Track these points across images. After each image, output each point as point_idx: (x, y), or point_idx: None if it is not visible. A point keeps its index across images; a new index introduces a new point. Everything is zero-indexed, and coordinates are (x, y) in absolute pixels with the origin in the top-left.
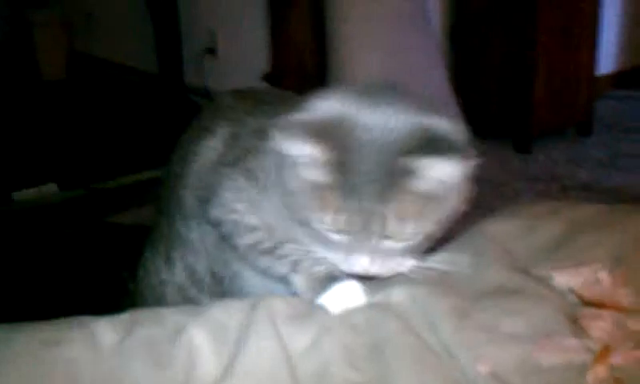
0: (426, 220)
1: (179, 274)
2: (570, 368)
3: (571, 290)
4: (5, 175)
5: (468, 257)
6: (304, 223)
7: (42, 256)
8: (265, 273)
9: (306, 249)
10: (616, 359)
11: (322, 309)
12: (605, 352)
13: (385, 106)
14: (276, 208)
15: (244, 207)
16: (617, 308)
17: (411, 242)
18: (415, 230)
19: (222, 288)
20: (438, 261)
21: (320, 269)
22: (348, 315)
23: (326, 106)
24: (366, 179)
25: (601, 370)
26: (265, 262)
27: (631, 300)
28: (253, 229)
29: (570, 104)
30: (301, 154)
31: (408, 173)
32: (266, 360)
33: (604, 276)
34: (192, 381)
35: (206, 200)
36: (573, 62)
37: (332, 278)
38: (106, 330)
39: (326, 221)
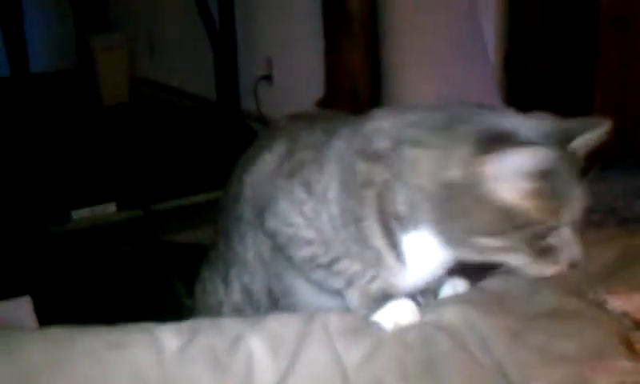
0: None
1: (236, 295)
2: None
3: (625, 314)
4: (65, 195)
5: (521, 279)
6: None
7: (99, 272)
8: (319, 286)
9: (361, 266)
10: None
11: (375, 325)
12: None
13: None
14: (334, 223)
15: (300, 220)
16: None
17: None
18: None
19: (277, 308)
20: (496, 283)
21: (375, 288)
22: (401, 332)
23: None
24: (569, 170)
25: None
26: (320, 275)
27: None
28: (309, 242)
29: (630, 133)
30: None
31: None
32: (321, 371)
33: None
34: None
35: (261, 210)
36: (632, 104)
37: (386, 295)
38: (169, 335)
39: (551, 223)
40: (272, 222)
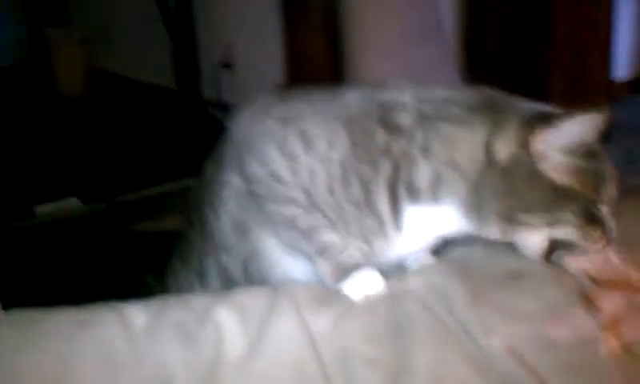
0: None
1: (213, 284)
2: (581, 342)
3: (582, 272)
4: (28, 190)
5: (483, 247)
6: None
7: (66, 266)
8: (288, 245)
9: (343, 237)
10: (626, 331)
11: (343, 295)
12: (616, 325)
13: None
14: (333, 184)
15: (289, 176)
16: (627, 285)
17: None
18: None
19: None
20: (459, 252)
21: (348, 258)
22: (368, 301)
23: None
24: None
25: (612, 341)
26: (292, 236)
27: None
28: (292, 202)
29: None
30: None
31: None
32: (289, 341)
33: (613, 256)
34: (219, 360)
35: (243, 149)
36: (587, 70)
37: (354, 266)
38: (137, 312)
39: (591, 198)
40: (255, 168)
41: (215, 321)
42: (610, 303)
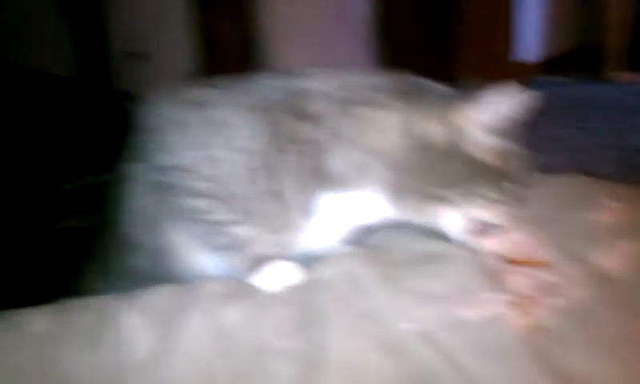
0: None
1: (120, 284)
2: (490, 319)
3: (492, 252)
4: None
5: (395, 231)
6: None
7: None
8: (198, 240)
9: (254, 230)
10: (534, 309)
11: (256, 288)
12: (522, 302)
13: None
14: (251, 175)
15: (198, 167)
16: (535, 263)
17: None
18: None
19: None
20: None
21: (260, 251)
22: (282, 292)
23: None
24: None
25: (519, 319)
26: (202, 230)
27: (547, 255)
28: (202, 194)
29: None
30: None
31: None
32: (199, 338)
33: (521, 236)
34: (125, 363)
35: (150, 137)
36: (495, 53)
37: (266, 258)
38: (33, 319)
39: (507, 175)
40: (161, 158)
41: (120, 323)
42: (519, 282)
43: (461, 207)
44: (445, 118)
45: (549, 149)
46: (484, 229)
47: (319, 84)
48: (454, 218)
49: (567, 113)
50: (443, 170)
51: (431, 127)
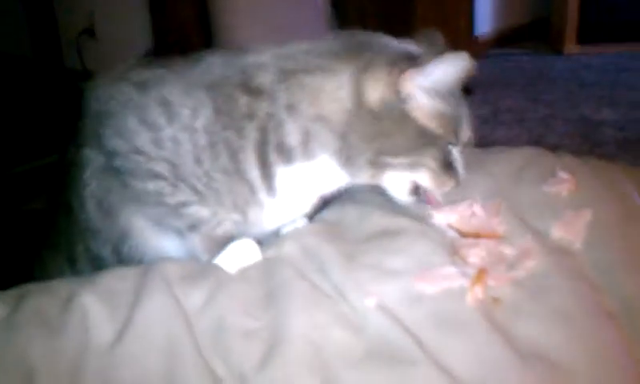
0: None
1: (85, 269)
2: (449, 293)
3: (450, 226)
4: None
5: (354, 206)
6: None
7: None
8: (157, 222)
9: (214, 209)
10: (492, 281)
11: (217, 268)
12: (481, 275)
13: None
14: (200, 154)
15: (152, 148)
16: (492, 236)
17: None
18: None
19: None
20: (331, 214)
21: (221, 231)
22: (243, 271)
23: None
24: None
25: (478, 291)
26: (160, 212)
27: (504, 227)
28: (157, 176)
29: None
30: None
31: None
32: (161, 320)
33: (478, 209)
34: (86, 346)
35: (101, 121)
36: (451, 27)
37: (228, 238)
38: None
39: (450, 140)
40: (115, 142)
41: (80, 307)
42: (476, 254)
43: (406, 174)
44: (391, 82)
45: (505, 121)
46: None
47: (264, 57)
48: (401, 182)
49: (522, 85)
50: (389, 137)
51: (376, 92)
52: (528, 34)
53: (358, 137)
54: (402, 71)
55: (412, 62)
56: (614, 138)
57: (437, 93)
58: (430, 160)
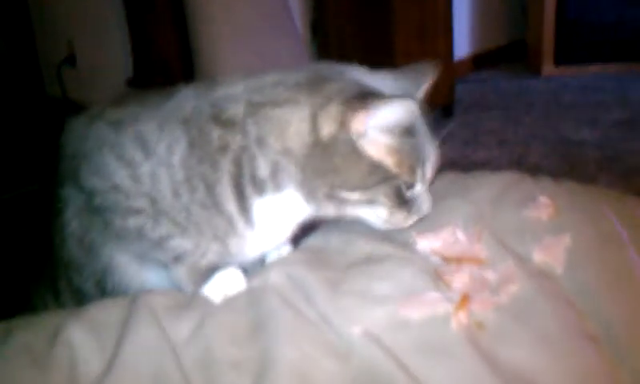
0: None
1: (69, 303)
2: (434, 319)
3: (433, 251)
4: None
5: (339, 233)
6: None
7: None
8: (140, 256)
9: (197, 241)
10: (475, 306)
11: (203, 298)
12: (464, 300)
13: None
14: (177, 188)
15: (131, 184)
16: (474, 261)
17: None
18: None
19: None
20: (316, 241)
21: (205, 261)
22: (229, 301)
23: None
24: (425, 128)
25: (462, 317)
26: (143, 247)
27: (486, 253)
28: (137, 212)
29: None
30: (383, 122)
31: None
32: (148, 352)
33: (461, 235)
34: (74, 380)
35: (78, 161)
36: (431, 51)
37: (212, 268)
38: None
39: (418, 175)
40: (93, 181)
41: (67, 340)
42: (460, 280)
43: (365, 209)
44: (342, 120)
45: (486, 142)
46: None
47: (235, 89)
48: (374, 212)
49: (502, 107)
50: (341, 173)
51: (329, 128)
52: (506, 56)
53: (313, 171)
54: (354, 110)
55: (362, 102)
56: (594, 158)
57: (388, 130)
58: (384, 198)
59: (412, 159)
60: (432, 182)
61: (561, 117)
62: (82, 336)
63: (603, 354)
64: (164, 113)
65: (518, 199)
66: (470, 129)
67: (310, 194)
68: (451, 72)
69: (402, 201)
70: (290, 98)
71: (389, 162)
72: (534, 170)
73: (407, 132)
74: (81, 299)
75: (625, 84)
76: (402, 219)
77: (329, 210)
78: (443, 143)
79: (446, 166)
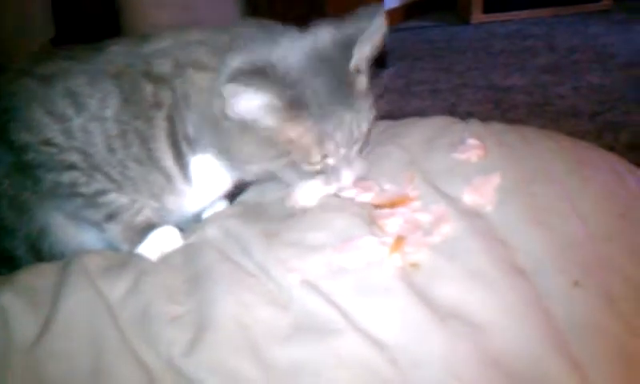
0: (369, 116)
1: (3, 272)
2: (370, 263)
3: (364, 205)
4: None
5: (274, 187)
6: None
7: None
8: (75, 216)
9: (132, 197)
10: (409, 247)
11: (139, 257)
12: (399, 242)
13: (275, 38)
14: (112, 143)
15: (62, 139)
16: (406, 200)
17: (361, 143)
18: (368, 126)
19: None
20: (252, 195)
21: (141, 218)
22: (166, 258)
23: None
24: (328, 102)
25: (397, 258)
26: (76, 205)
27: (418, 192)
28: (70, 166)
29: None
30: (260, 106)
31: (355, 74)
32: (84, 313)
33: (388, 186)
34: (9, 345)
35: (6, 117)
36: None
37: (147, 226)
38: None
39: (314, 156)
40: (23, 136)
41: (1, 306)
42: (393, 223)
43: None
44: (227, 94)
45: (418, 92)
46: None
47: (164, 44)
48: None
49: (433, 57)
50: (241, 146)
51: (221, 100)
52: (435, 4)
53: (222, 139)
54: (231, 89)
55: (239, 80)
56: (524, 103)
57: (266, 112)
58: (285, 172)
59: (305, 136)
60: (362, 148)
61: (491, 64)
62: (14, 301)
63: (532, 286)
64: (94, 68)
65: (448, 142)
66: (402, 79)
67: (223, 159)
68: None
69: (309, 174)
70: (207, 65)
71: (278, 139)
72: (466, 117)
73: (292, 113)
74: (11, 265)
75: (552, 29)
76: (320, 189)
77: (249, 176)
78: (380, 97)
79: (383, 118)
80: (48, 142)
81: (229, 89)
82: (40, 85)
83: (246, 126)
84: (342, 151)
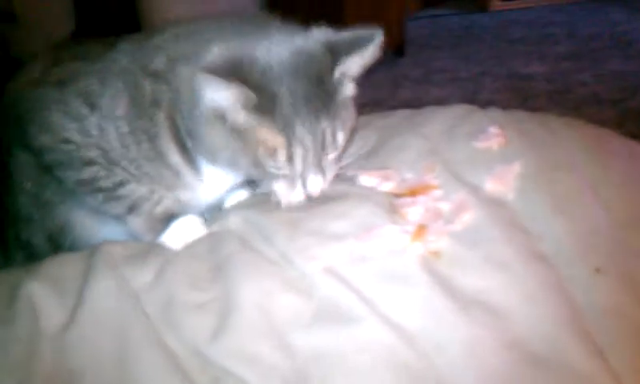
0: (347, 126)
1: (18, 259)
2: (392, 251)
3: (388, 191)
4: None
5: None
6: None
7: None
8: (97, 211)
9: (151, 188)
10: (431, 236)
11: (162, 246)
12: (420, 231)
13: (265, 33)
14: (124, 140)
15: (80, 137)
16: (428, 189)
17: (339, 151)
18: (344, 137)
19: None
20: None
21: (162, 209)
22: (189, 247)
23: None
24: (303, 105)
25: (419, 247)
26: (98, 199)
27: (439, 181)
28: (90, 163)
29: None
30: (227, 100)
31: (338, 83)
32: (110, 301)
33: (409, 175)
34: (37, 333)
35: (24, 122)
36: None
37: (171, 216)
38: None
39: (279, 158)
40: (42, 138)
41: (27, 295)
42: (415, 212)
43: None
44: (198, 87)
45: (438, 81)
46: None
47: (163, 38)
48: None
49: (452, 45)
50: (211, 141)
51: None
52: None
53: (195, 129)
54: (200, 82)
55: (207, 75)
56: (544, 91)
57: (234, 110)
58: (251, 171)
59: (271, 136)
60: (336, 172)
61: (510, 52)
62: (41, 290)
63: (554, 273)
64: (103, 66)
65: (469, 131)
66: (421, 68)
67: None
68: (402, 11)
69: (274, 175)
70: (192, 57)
71: (246, 134)
72: (485, 105)
73: (261, 110)
74: (29, 254)
75: (572, 16)
76: (288, 194)
77: (223, 166)
78: (395, 86)
79: (402, 107)
80: (67, 141)
81: (200, 80)
82: (53, 89)
83: (216, 116)
84: (312, 157)
